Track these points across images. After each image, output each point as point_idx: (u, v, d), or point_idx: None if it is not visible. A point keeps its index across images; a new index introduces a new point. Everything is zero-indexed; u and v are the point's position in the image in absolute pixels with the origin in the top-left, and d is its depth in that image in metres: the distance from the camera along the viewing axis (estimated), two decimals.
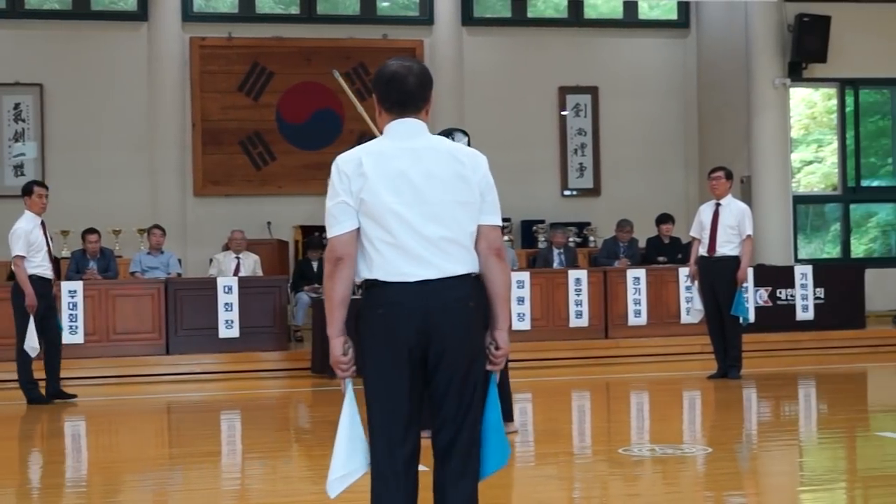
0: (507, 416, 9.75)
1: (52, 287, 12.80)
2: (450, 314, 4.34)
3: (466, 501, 4.44)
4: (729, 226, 13.22)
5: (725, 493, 7.29)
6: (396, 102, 4.45)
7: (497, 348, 4.47)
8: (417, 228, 4.32)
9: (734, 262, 13.15)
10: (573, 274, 16.55)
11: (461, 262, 4.37)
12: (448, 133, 9.61)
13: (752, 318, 14.86)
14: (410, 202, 4.33)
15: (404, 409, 4.38)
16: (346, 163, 4.39)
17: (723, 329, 13.31)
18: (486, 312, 4.45)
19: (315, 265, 18.15)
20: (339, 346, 4.41)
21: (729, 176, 13.52)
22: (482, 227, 4.42)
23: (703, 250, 13.38)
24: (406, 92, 4.44)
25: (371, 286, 4.40)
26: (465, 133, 9.66)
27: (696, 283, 13.54)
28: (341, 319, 4.41)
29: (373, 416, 4.41)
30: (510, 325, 4.43)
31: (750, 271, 15.13)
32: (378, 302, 4.36)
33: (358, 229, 4.36)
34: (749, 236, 13.26)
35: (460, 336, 4.35)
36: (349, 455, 4.42)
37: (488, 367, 4.47)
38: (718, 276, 13.21)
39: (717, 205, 13.37)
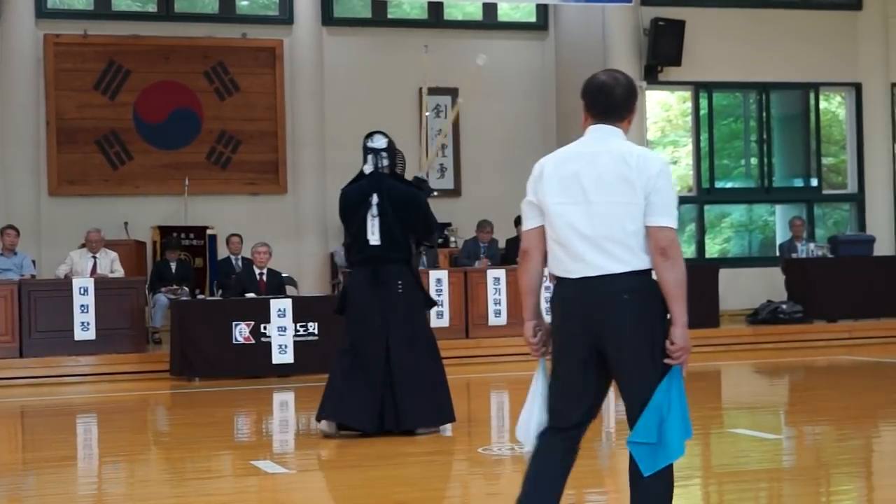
0: (448, 416, 9.77)
1: None
2: (605, 308, 4.66)
3: (648, 497, 4.71)
4: None
5: (586, 491, 7.37)
6: (602, 111, 4.86)
7: (671, 343, 4.66)
8: (580, 228, 4.68)
9: None
10: (434, 274, 16.57)
11: (621, 261, 4.67)
12: (369, 136, 9.67)
13: None
14: (577, 202, 4.70)
15: (574, 389, 4.80)
16: (537, 165, 4.87)
17: None
18: (652, 305, 4.70)
19: (173, 266, 17.92)
20: (529, 329, 4.91)
21: None
22: (648, 227, 4.70)
23: None
24: (612, 103, 4.86)
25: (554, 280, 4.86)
26: (385, 135, 9.66)
27: None
28: (532, 304, 4.90)
29: (549, 391, 4.87)
30: (686, 321, 4.72)
31: None
32: (554, 295, 4.82)
33: (543, 227, 4.80)
34: None
35: (616, 328, 4.66)
36: (531, 411, 4.87)
37: (666, 361, 4.68)
38: None
39: None
